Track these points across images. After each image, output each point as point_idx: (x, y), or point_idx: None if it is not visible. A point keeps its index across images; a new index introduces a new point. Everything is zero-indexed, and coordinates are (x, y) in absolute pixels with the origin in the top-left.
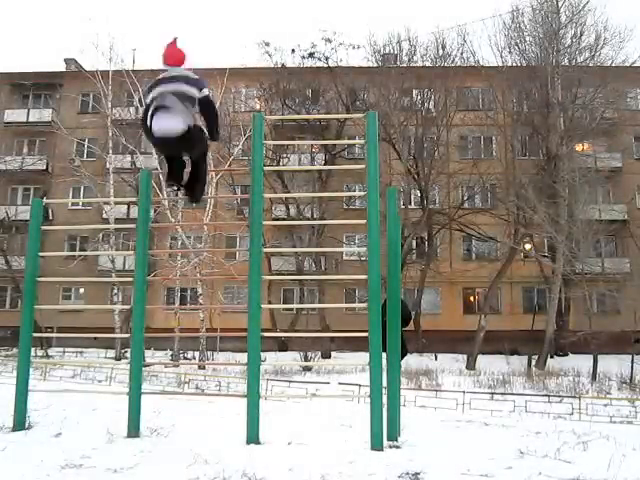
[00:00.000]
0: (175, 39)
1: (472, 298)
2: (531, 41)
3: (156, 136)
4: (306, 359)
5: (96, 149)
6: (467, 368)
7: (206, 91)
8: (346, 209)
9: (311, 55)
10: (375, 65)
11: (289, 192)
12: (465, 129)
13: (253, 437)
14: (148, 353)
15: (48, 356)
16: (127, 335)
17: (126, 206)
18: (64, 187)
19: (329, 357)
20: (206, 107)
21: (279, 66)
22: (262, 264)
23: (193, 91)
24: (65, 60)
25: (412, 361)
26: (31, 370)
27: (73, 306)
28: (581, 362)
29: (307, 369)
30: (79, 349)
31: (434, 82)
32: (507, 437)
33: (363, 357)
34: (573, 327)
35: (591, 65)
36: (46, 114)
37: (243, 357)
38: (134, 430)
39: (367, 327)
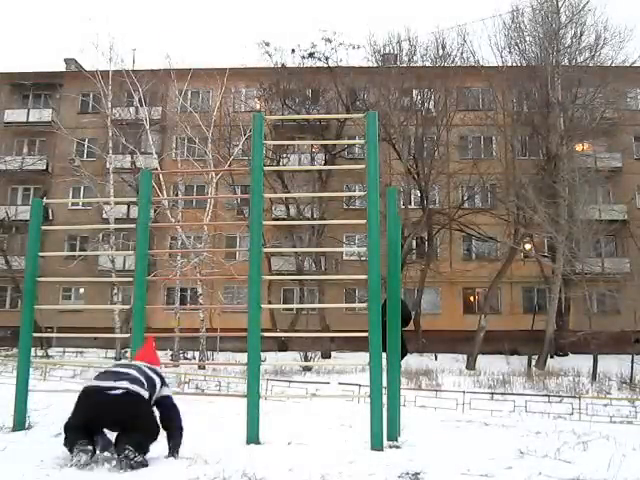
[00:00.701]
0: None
1: (472, 298)
2: (531, 41)
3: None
4: (306, 359)
5: (96, 149)
6: (467, 368)
7: (167, 390)
8: (346, 209)
9: (311, 55)
10: (375, 65)
11: (289, 192)
12: (465, 129)
13: (253, 437)
14: None
15: (48, 356)
16: (127, 335)
17: (126, 206)
18: (64, 187)
19: (329, 357)
20: (167, 410)
21: (279, 66)
22: (262, 264)
23: (155, 379)
24: (65, 60)
25: (412, 361)
26: (31, 370)
27: (73, 306)
28: (581, 362)
29: (307, 369)
30: (79, 349)
31: (434, 82)
32: (507, 437)
33: (363, 357)
34: (573, 327)
35: (591, 65)
36: (46, 114)
37: (243, 357)
38: None
39: (367, 327)
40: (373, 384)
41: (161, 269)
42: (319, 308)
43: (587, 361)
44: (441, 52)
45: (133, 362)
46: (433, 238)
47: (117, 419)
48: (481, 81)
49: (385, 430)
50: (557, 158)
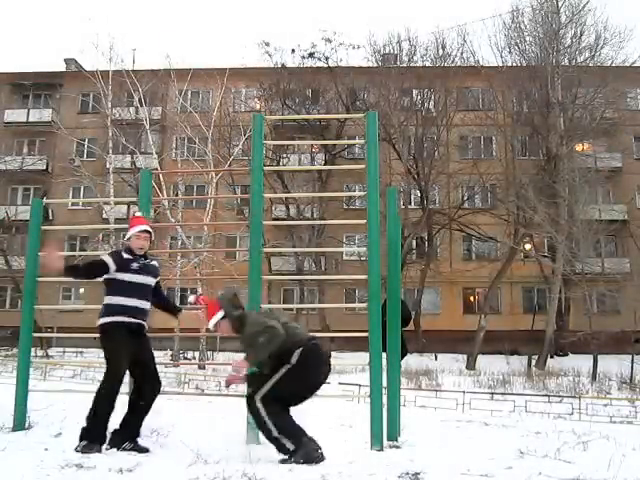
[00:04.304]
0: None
1: (472, 298)
2: (531, 41)
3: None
4: None
5: (96, 149)
6: (467, 368)
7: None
8: (346, 209)
9: (311, 55)
10: (375, 65)
11: (289, 192)
12: (465, 129)
13: (253, 437)
14: None
15: (48, 356)
16: None
17: (126, 206)
18: (64, 187)
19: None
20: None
21: (279, 66)
22: (262, 264)
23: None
24: (65, 60)
25: (412, 361)
26: (31, 370)
27: (73, 306)
28: (581, 362)
29: None
30: (79, 349)
31: (434, 82)
32: (507, 437)
33: (363, 357)
34: (573, 327)
35: (591, 65)
36: (46, 114)
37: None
38: None
39: (367, 327)
40: (373, 384)
41: (161, 269)
42: (319, 308)
43: (587, 361)
44: (441, 52)
45: None
46: (433, 238)
47: None
48: (481, 81)
49: (385, 430)
50: (557, 158)
